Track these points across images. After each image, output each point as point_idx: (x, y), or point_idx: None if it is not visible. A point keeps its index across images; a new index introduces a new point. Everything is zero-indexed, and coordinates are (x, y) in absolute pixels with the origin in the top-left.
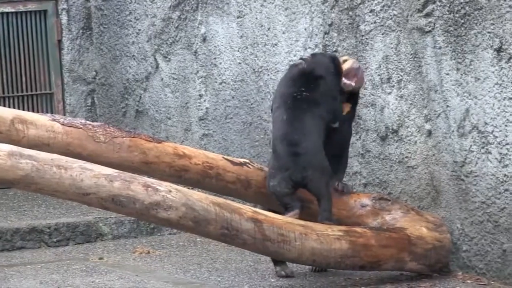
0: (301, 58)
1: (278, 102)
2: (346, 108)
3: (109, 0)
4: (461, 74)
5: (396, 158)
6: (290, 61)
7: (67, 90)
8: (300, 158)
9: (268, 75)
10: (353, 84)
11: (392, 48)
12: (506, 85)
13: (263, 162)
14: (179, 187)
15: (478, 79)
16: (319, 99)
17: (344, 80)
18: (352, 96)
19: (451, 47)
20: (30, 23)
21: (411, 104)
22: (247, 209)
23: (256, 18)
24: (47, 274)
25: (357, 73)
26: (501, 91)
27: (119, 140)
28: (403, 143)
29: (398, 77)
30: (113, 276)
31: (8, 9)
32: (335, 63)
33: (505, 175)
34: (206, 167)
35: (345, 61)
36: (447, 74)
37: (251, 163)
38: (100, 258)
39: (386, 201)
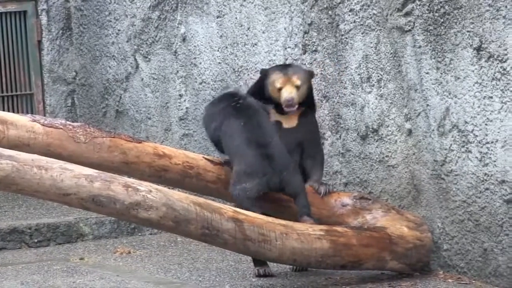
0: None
1: (219, 117)
2: (293, 119)
3: (89, 0)
4: (441, 73)
5: (377, 157)
6: (270, 60)
7: (47, 91)
8: (274, 161)
9: (248, 74)
10: (293, 109)
11: (372, 47)
12: (486, 84)
13: None
14: (160, 187)
15: (458, 78)
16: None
17: (285, 109)
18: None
19: (430, 46)
20: (10, 24)
21: (391, 103)
22: (228, 208)
23: (236, 18)
24: (28, 274)
25: (291, 103)
26: (481, 90)
27: (99, 140)
28: (383, 142)
29: (378, 76)
30: (94, 277)
31: None
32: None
33: (485, 174)
34: (186, 167)
35: (280, 89)
36: (427, 73)
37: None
38: (81, 259)
39: (366, 201)
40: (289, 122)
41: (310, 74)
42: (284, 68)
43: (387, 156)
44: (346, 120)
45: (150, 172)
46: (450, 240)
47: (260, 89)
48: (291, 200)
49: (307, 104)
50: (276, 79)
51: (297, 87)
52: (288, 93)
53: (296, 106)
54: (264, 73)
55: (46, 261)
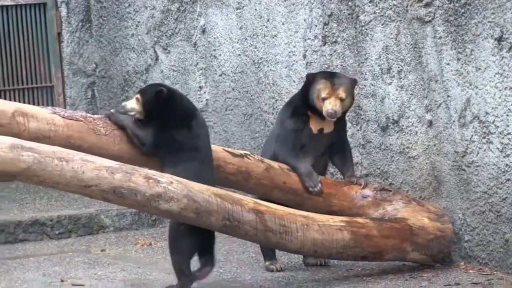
0: None
1: None
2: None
3: None
4: (462, 64)
5: (397, 149)
6: (289, 52)
7: (67, 83)
8: None
9: (268, 66)
10: (335, 119)
11: (392, 38)
12: (507, 74)
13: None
14: (180, 179)
15: (479, 68)
16: None
17: (327, 119)
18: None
19: (451, 37)
20: (29, 16)
21: (411, 94)
22: (249, 200)
23: (255, 9)
24: (49, 266)
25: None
26: (502, 81)
27: (120, 132)
28: (404, 133)
29: (398, 67)
30: (115, 268)
31: (8, 2)
32: None
33: (506, 165)
34: None
35: (324, 99)
36: (448, 64)
37: (251, 155)
38: (102, 250)
39: (387, 192)
40: (328, 128)
41: (354, 83)
42: (330, 76)
43: (407, 147)
44: (367, 111)
45: None
46: (471, 231)
47: (305, 94)
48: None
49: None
50: (322, 89)
51: (342, 100)
52: (332, 106)
53: (337, 117)
54: (311, 79)
55: (68, 252)
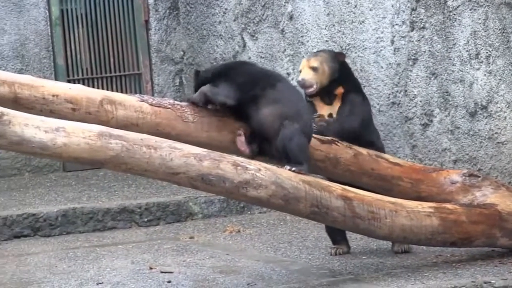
0: None
1: None
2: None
3: None
4: None
5: (486, 134)
6: (377, 38)
7: (155, 70)
8: None
9: (356, 52)
10: (311, 90)
11: (480, 23)
12: None
13: None
14: (269, 166)
15: None
16: None
17: (305, 92)
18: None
19: None
20: (117, 4)
21: (500, 79)
22: (337, 186)
23: None
24: (138, 253)
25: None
26: None
27: (208, 119)
28: (492, 119)
29: (487, 52)
30: (204, 255)
31: None
32: None
33: None
34: None
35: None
36: None
37: (339, 141)
38: (191, 237)
39: (476, 178)
40: (333, 109)
41: (336, 55)
42: (310, 54)
43: (496, 132)
44: (455, 97)
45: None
46: None
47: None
48: (401, 178)
49: (346, 85)
50: (300, 65)
51: (314, 69)
52: (302, 75)
53: (314, 88)
54: None
55: (156, 240)
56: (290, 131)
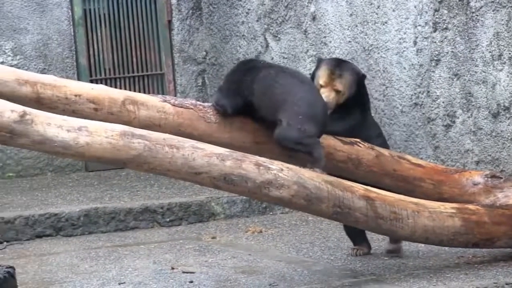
0: None
1: None
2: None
3: None
4: None
5: (509, 135)
6: (400, 39)
7: (178, 71)
8: None
9: (379, 53)
10: None
11: (503, 24)
12: None
13: None
14: (291, 166)
15: None
16: None
17: None
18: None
19: None
20: (140, 4)
21: None
22: (359, 187)
23: None
24: (160, 253)
25: None
26: None
27: (230, 120)
28: None
29: (510, 53)
30: (226, 255)
31: None
32: None
33: None
34: None
35: (321, 86)
36: None
37: (361, 142)
38: (213, 238)
39: (498, 179)
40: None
41: (360, 78)
42: (335, 65)
43: None
44: (478, 98)
45: (279, 152)
46: None
47: (312, 78)
48: (423, 179)
49: (354, 101)
50: (321, 76)
51: (337, 92)
52: (325, 95)
53: (331, 109)
54: (317, 64)
55: (178, 240)
56: (283, 129)
